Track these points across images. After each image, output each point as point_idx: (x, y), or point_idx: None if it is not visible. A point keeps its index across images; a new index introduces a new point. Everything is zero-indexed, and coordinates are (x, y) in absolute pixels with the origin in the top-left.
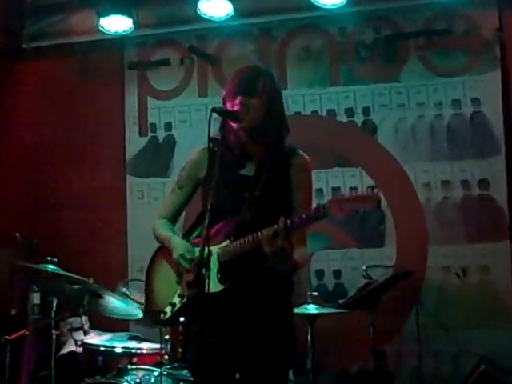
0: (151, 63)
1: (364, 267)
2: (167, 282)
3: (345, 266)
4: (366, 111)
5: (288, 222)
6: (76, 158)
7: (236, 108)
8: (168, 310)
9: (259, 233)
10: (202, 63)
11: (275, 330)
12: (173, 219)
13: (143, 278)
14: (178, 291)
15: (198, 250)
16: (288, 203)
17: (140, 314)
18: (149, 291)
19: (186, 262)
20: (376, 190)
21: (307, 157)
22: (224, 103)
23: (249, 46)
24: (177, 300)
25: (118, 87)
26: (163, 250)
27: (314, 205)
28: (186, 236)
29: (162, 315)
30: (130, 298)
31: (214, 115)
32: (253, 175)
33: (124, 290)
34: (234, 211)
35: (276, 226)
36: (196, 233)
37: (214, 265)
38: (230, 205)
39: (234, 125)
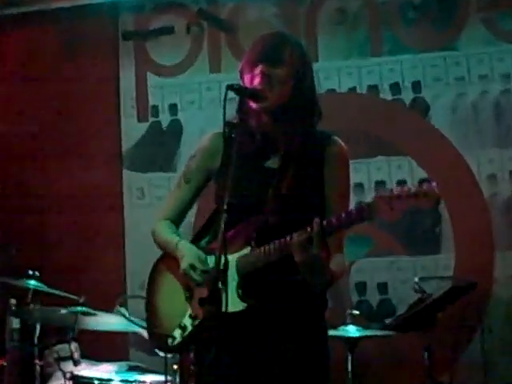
0: (151, 32)
1: (416, 279)
2: (174, 298)
3: (392, 277)
4: (416, 87)
5: (324, 223)
6: (62, 150)
7: (257, 80)
8: (177, 333)
9: (288, 238)
10: (214, 31)
11: (307, 357)
12: (177, 220)
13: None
14: (189, 311)
15: (211, 258)
16: (321, 202)
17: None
18: (151, 311)
19: (198, 275)
20: (434, 184)
21: (344, 145)
22: (241, 77)
23: (270, 9)
24: (188, 322)
25: (112, 62)
26: (167, 259)
27: (351, 204)
28: (196, 241)
29: (169, 340)
30: (129, 320)
31: (231, 94)
32: (278, 168)
33: (121, 309)
34: (256, 211)
35: (309, 230)
36: (208, 237)
37: (233, 278)
38: (251, 203)
39: (255, 105)
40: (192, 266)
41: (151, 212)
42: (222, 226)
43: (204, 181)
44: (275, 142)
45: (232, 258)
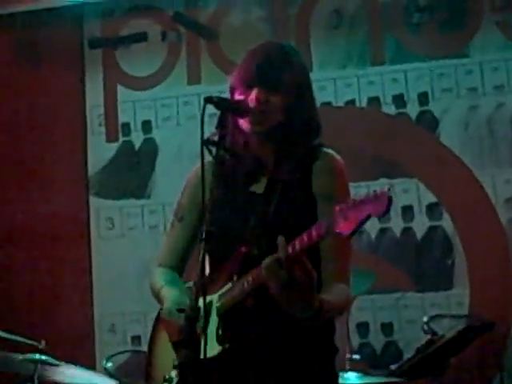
0: (121, 39)
1: (425, 318)
2: (167, 353)
3: (398, 317)
4: (423, 99)
5: (290, 245)
6: (19, 175)
7: (252, 105)
8: None
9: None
10: (193, 37)
11: None
12: (178, 265)
13: (128, 348)
14: (174, 361)
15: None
16: (313, 222)
17: None
18: (149, 367)
19: (176, 317)
20: (386, 188)
21: (337, 156)
22: (232, 94)
23: (256, 12)
24: (173, 373)
25: (76, 73)
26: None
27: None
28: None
29: None
30: (116, 379)
31: (210, 108)
32: (263, 193)
33: (108, 365)
34: (239, 241)
35: (276, 254)
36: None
37: (213, 320)
38: (234, 232)
39: (245, 125)
40: (169, 310)
41: (123, 245)
42: (201, 256)
43: (199, 217)
44: (264, 165)
45: (213, 297)
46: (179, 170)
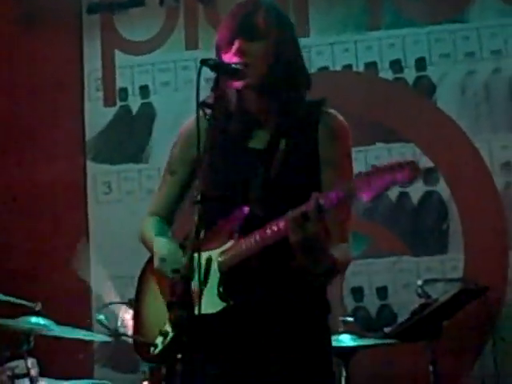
0: (119, 4)
1: (420, 282)
2: (158, 304)
3: (393, 280)
4: (420, 64)
5: (321, 200)
6: (15, 140)
7: (234, 58)
8: (159, 341)
9: (279, 220)
10: (191, 2)
11: (305, 366)
12: (166, 215)
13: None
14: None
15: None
16: (317, 186)
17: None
18: (137, 319)
19: (168, 271)
20: (412, 158)
21: (341, 117)
22: (218, 53)
23: None
24: (169, 327)
25: (74, 38)
26: (151, 262)
27: None
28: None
29: (151, 349)
30: (108, 329)
31: (206, 71)
32: (265, 148)
33: (100, 317)
34: (240, 201)
35: (306, 206)
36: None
37: (215, 275)
38: (234, 192)
39: (237, 83)
40: (162, 261)
41: (120, 209)
42: (196, 219)
43: (191, 171)
44: (260, 119)
45: (213, 253)
46: (176, 135)
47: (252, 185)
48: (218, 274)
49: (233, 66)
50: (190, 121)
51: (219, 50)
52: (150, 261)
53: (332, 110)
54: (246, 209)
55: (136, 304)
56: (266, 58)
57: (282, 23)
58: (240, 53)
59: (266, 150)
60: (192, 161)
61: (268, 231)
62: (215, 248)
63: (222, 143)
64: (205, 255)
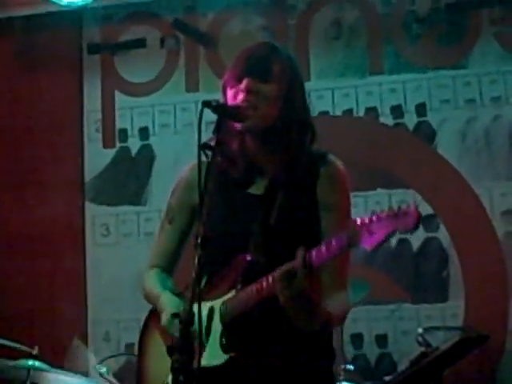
0: (120, 45)
1: (420, 330)
2: (162, 357)
3: (393, 328)
4: (421, 110)
5: (307, 255)
6: (15, 180)
7: (241, 96)
8: None
9: (270, 275)
10: (191, 44)
11: None
12: (169, 267)
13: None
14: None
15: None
16: (316, 233)
17: None
18: (140, 373)
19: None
20: (413, 204)
21: (341, 165)
22: (224, 92)
23: (256, 21)
24: (170, 379)
25: (74, 78)
26: (155, 315)
27: None
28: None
29: None
30: (110, 382)
31: (209, 115)
32: (263, 194)
33: (101, 369)
34: (240, 247)
35: (292, 263)
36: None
37: (217, 326)
38: (234, 238)
39: (237, 125)
40: (172, 319)
41: (118, 252)
42: (196, 264)
43: (190, 219)
44: (261, 166)
45: (216, 303)
46: (175, 178)
47: (252, 231)
48: (220, 325)
49: (237, 107)
50: (189, 166)
51: (225, 88)
52: (153, 313)
53: (331, 156)
54: (247, 256)
55: (139, 357)
56: (275, 103)
57: (295, 75)
58: (248, 91)
59: (265, 196)
60: (192, 208)
61: (261, 286)
62: (217, 297)
63: (223, 188)
64: (207, 305)
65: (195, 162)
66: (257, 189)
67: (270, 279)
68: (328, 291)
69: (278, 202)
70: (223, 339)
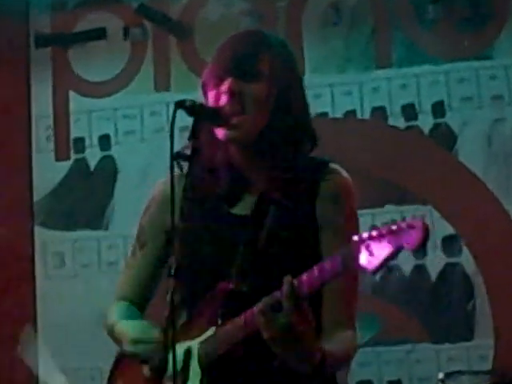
0: (75, 36)
1: (441, 375)
2: None
3: (408, 373)
4: (438, 110)
5: (295, 282)
6: None
7: (223, 99)
8: None
9: (253, 308)
10: (161, 34)
11: None
12: (139, 300)
13: None
14: None
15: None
16: (315, 256)
17: None
18: None
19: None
20: (420, 217)
21: (346, 176)
22: (204, 94)
23: (238, 5)
24: None
25: (19, 77)
26: (125, 363)
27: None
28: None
29: None
30: None
31: (182, 115)
32: (251, 214)
33: None
34: (223, 275)
35: (278, 293)
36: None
37: (195, 371)
38: (215, 265)
39: (221, 132)
40: (135, 344)
41: (75, 286)
42: (169, 296)
43: (165, 243)
44: (248, 180)
45: (194, 344)
46: (143, 196)
47: (235, 256)
48: (199, 370)
49: (218, 109)
50: (162, 181)
51: (205, 89)
52: (119, 360)
53: (334, 165)
54: (229, 285)
55: None
56: (265, 105)
57: (289, 66)
58: (232, 93)
59: (252, 217)
60: (166, 230)
61: (243, 321)
62: (195, 336)
63: (203, 207)
64: (183, 346)
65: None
66: (243, 208)
67: (253, 312)
68: (329, 329)
69: (267, 222)
70: None
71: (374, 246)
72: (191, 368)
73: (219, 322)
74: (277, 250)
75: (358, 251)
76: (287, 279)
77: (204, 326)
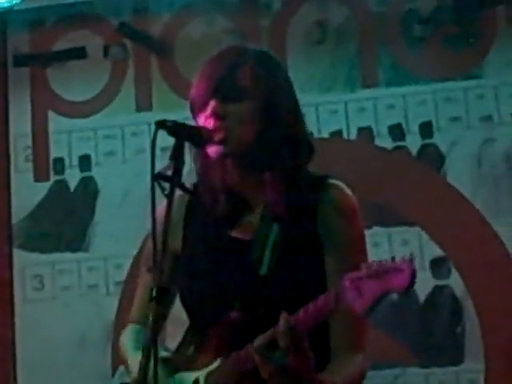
0: (54, 55)
1: None
2: None
3: None
4: (426, 130)
5: (291, 320)
6: None
7: (209, 122)
8: None
9: (250, 345)
10: (142, 53)
11: None
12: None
13: None
14: None
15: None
16: (321, 278)
17: None
18: None
19: None
20: (408, 257)
21: (347, 189)
22: (194, 117)
23: (220, 23)
24: None
25: None
26: None
27: None
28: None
29: None
30: None
31: (163, 136)
32: (251, 238)
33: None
34: (225, 304)
35: (274, 330)
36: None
37: None
38: (219, 292)
39: (212, 150)
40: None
41: (54, 309)
42: (151, 319)
43: (172, 266)
44: (246, 200)
45: (201, 375)
46: (124, 216)
47: (238, 283)
48: None
49: (200, 129)
50: (160, 208)
51: (194, 113)
52: None
53: (337, 182)
54: (233, 315)
55: None
56: (250, 124)
57: (275, 77)
58: (215, 116)
59: (253, 241)
60: (173, 254)
61: (241, 357)
62: (203, 367)
63: (203, 232)
64: (193, 375)
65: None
66: (244, 231)
67: (249, 350)
68: (337, 354)
69: (268, 246)
70: None
71: (363, 286)
72: None
73: (225, 353)
74: (280, 276)
75: (347, 291)
76: (283, 316)
77: (211, 356)
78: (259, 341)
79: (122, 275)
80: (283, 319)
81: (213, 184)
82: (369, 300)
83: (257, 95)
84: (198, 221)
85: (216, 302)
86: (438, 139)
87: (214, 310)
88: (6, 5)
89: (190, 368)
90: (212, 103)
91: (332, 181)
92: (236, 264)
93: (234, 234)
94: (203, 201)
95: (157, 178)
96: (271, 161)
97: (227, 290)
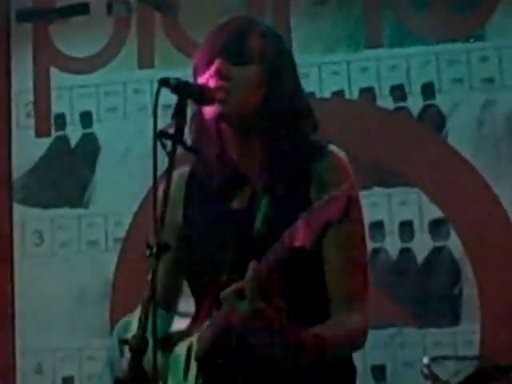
0: (56, 11)
1: (426, 360)
2: None
3: (392, 358)
4: (428, 91)
5: (257, 268)
6: None
7: (212, 81)
8: None
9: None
10: (145, 10)
11: None
12: (163, 301)
13: None
14: None
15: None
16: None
17: None
18: None
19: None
20: (345, 186)
21: (343, 155)
22: (195, 79)
23: None
24: None
25: (0, 52)
26: None
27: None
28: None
29: None
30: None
31: (165, 93)
32: (246, 207)
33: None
34: (221, 272)
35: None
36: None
37: (193, 366)
38: (215, 261)
39: (209, 110)
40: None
41: (53, 265)
42: (150, 276)
43: (177, 241)
44: (244, 172)
45: (194, 339)
46: (125, 174)
47: (231, 252)
48: (195, 363)
49: (204, 87)
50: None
51: (196, 73)
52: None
53: (332, 148)
54: (224, 278)
55: None
56: (255, 89)
57: (281, 50)
58: (220, 76)
59: (246, 210)
60: (177, 228)
61: (221, 314)
62: (197, 330)
63: (203, 205)
64: (188, 341)
65: (180, 169)
66: (239, 201)
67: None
68: (334, 313)
69: (260, 212)
70: (199, 380)
71: (311, 220)
72: (191, 362)
73: (214, 314)
74: (270, 239)
75: (297, 230)
76: (253, 263)
77: (203, 319)
78: (227, 290)
79: (122, 232)
80: (251, 268)
81: (208, 152)
82: (312, 233)
83: (264, 62)
84: (198, 195)
85: (212, 272)
86: (440, 100)
87: (211, 280)
88: None
89: (188, 336)
90: (217, 62)
91: (328, 149)
92: (232, 234)
93: (232, 205)
94: (203, 174)
95: (159, 135)
96: (270, 129)
97: (222, 260)
